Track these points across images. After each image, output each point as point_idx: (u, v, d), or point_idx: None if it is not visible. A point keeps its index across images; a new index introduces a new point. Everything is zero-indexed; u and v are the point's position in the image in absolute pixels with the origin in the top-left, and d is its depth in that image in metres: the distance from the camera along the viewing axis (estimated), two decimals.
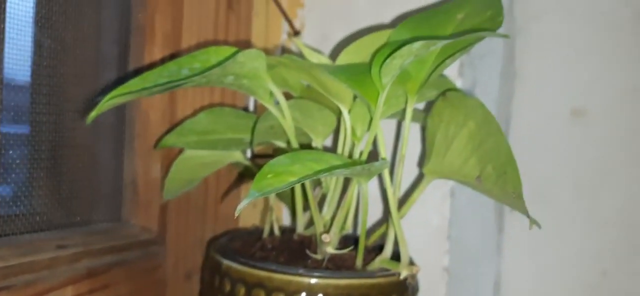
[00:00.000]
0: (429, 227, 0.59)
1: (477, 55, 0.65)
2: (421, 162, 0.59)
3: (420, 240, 0.59)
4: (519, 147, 0.75)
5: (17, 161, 0.48)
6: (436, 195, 0.59)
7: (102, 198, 0.55)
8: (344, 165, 0.35)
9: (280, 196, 0.57)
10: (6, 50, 0.45)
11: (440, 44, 0.39)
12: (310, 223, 0.50)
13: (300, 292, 0.40)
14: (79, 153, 0.53)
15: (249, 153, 0.61)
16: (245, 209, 0.65)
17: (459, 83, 0.59)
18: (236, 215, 0.32)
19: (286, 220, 0.66)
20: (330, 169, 0.34)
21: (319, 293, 0.40)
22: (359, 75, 0.40)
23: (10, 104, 0.46)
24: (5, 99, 0.46)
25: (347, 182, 0.46)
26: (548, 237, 0.73)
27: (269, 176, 0.34)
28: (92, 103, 0.39)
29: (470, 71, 0.63)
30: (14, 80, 0.47)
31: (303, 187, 0.48)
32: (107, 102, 0.37)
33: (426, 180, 0.46)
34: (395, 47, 0.37)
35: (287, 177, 0.34)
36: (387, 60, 0.38)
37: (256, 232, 0.54)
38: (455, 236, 0.61)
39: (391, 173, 0.54)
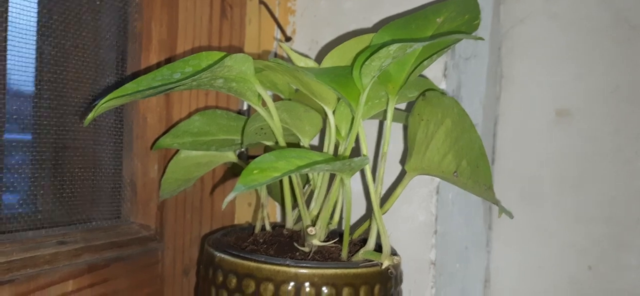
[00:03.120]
0: (415, 223, 0.62)
1: (462, 58, 0.67)
2: (404, 160, 0.61)
3: (407, 235, 0.62)
4: (506, 146, 0.78)
5: (21, 163, 0.50)
6: (422, 192, 0.61)
7: (103, 197, 0.57)
8: (326, 161, 0.38)
9: (271, 194, 0.60)
10: (9, 59, 0.48)
11: (417, 45, 0.41)
12: (300, 219, 0.53)
13: (287, 281, 0.42)
14: (80, 155, 0.55)
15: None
16: (240, 207, 0.68)
17: (443, 86, 0.61)
18: (223, 207, 0.34)
19: (278, 218, 0.68)
20: (312, 164, 0.37)
21: (306, 282, 0.42)
22: (341, 77, 0.43)
23: (13, 112, 0.49)
24: (8, 107, 0.48)
25: (333, 180, 0.48)
26: (535, 233, 0.76)
27: (255, 172, 0.37)
28: (90, 107, 0.42)
29: (456, 73, 0.65)
30: (17, 88, 0.50)
31: (291, 185, 0.50)
32: (104, 105, 0.40)
33: (408, 176, 0.48)
34: (374, 49, 0.40)
35: (272, 172, 0.37)
36: (367, 62, 0.40)
37: (249, 228, 0.56)
38: (442, 231, 0.63)
39: (374, 170, 0.56)
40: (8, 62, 0.48)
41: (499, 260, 0.78)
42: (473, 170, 0.40)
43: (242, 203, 0.69)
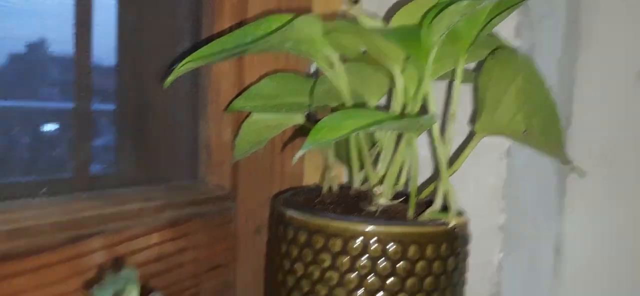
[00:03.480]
0: (484, 186, 0.61)
1: (536, 17, 0.65)
2: (472, 123, 0.61)
3: (475, 199, 0.61)
4: (583, 110, 0.75)
5: (107, 129, 0.54)
6: (492, 156, 0.61)
7: (181, 159, 0.61)
8: (393, 119, 0.38)
9: (338, 156, 0.61)
10: (94, 36, 0.51)
11: (488, 1, 0.40)
12: (366, 180, 0.54)
13: (355, 238, 0.44)
14: (159, 120, 0.59)
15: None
16: (309, 169, 0.70)
17: (516, 45, 0.60)
18: (293, 163, 0.36)
19: (345, 180, 0.69)
20: (379, 122, 0.37)
21: (373, 238, 0.44)
22: (409, 36, 0.43)
23: (98, 84, 0.53)
24: (94, 80, 0.52)
25: (400, 141, 0.49)
26: (611, 201, 0.73)
27: (324, 130, 0.38)
28: (169, 71, 0.44)
29: (529, 33, 0.63)
30: (101, 61, 0.54)
31: (359, 145, 0.51)
32: (182, 67, 0.42)
33: (477, 137, 0.48)
34: (444, 5, 0.40)
35: (340, 130, 0.38)
36: (436, 20, 0.40)
37: (316, 189, 0.58)
38: (512, 195, 0.62)
39: (442, 132, 0.56)
40: (93, 37, 0.52)
41: (571, 228, 0.76)
42: (544, 128, 0.39)
43: (310, 165, 0.70)
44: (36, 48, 0.50)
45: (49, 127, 0.52)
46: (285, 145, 0.65)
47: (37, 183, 0.48)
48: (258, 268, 0.64)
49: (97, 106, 0.54)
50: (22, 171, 0.49)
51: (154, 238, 0.52)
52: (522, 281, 0.67)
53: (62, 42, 0.51)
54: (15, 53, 0.48)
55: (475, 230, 0.58)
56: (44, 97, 0.52)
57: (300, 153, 0.36)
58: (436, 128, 0.44)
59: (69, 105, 0.52)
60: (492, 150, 0.60)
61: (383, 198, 0.47)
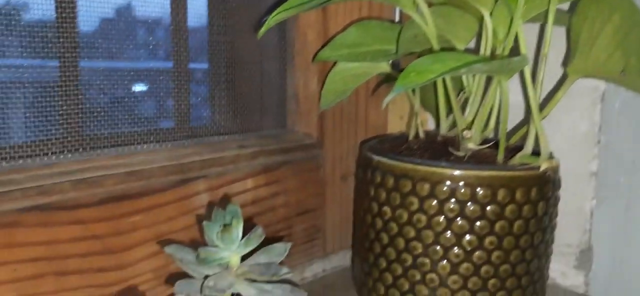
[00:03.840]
0: (577, 132, 0.59)
1: None
2: (565, 65, 0.59)
3: (568, 145, 0.60)
4: None
5: (203, 85, 0.58)
6: (585, 101, 0.59)
7: (270, 109, 0.64)
8: (482, 61, 0.38)
9: (424, 104, 0.61)
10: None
11: None
12: (453, 126, 0.54)
13: (443, 182, 0.45)
14: (250, 73, 0.62)
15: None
16: (393, 119, 0.71)
17: None
18: (383, 106, 0.37)
19: (430, 128, 0.70)
20: (468, 64, 0.38)
21: (461, 182, 0.44)
22: None
23: (193, 43, 0.56)
24: (190, 40, 0.56)
25: (489, 86, 0.49)
26: None
27: (412, 74, 0.39)
28: (260, 24, 0.46)
29: None
30: (194, 22, 0.57)
31: (446, 91, 0.51)
32: (273, 19, 0.44)
33: (570, 79, 0.47)
34: None
35: (428, 74, 0.38)
36: None
37: (402, 137, 0.59)
38: (606, 142, 0.60)
39: (533, 74, 0.55)
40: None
41: None
42: None
43: (394, 115, 0.71)
44: (132, 13, 0.54)
45: (152, 85, 0.57)
46: (374, 90, 0.66)
47: (144, 133, 0.52)
48: (346, 214, 0.67)
49: (193, 64, 0.57)
50: (129, 124, 0.54)
51: (249, 183, 0.56)
52: (614, 231, 0.65)
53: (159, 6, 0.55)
54: (123, 19, 0.53)
55: (567, 177, 0.57)
56: (146, 58, 0.56)
57: (389, 97, 0.37)
58: (527, 70, 0.43)
59: (169, 64, 0.56)
60: (585, 94, 0.58)
61: (471, 143, 0.48)
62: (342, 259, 0.67)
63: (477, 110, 0.49)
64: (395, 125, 0.71)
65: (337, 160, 0.65)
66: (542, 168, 0.45)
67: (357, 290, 0.55)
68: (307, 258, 0.63)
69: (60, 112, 0.46)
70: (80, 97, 0.47)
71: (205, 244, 0.37)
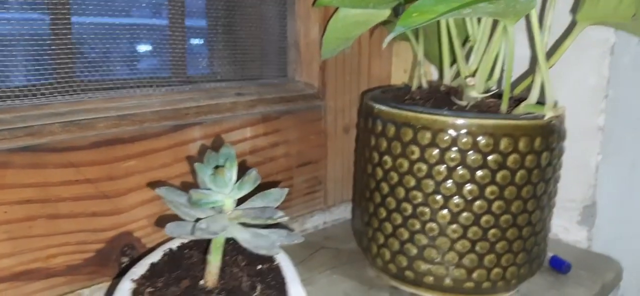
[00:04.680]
0: (584, 86, 0.58)
1: None
2: (575, 12, 0.57)
3: (575, 98, 0.58)
4: None
5: (201, 31, 0.56)
6: (594, 53, 0.57)
7: (271, 57, 0.62)
8: (487, 1, 0.37)
9: (427, 55, 0.60)
10: None
11: None
12: (457, 76, 0.52)
13: (445, 130, 0.43)
14: (249, 20, 0.60)
15: None
16: (396, 72, 0.69)
17: None
18: (383, 46, 0.36)
19: (434, 79, 0.68)
20: (472, 3, 0.36)
21: (463, 130, 0.43)
22: None
23: None
24: None
25: (494, 33, 0.47)
26: None
27: (414, 14, 0.37)
28: None
29: None
30: None
31: (450, 39, 0.50)
32: None
33: (579, 26, 0.45)
34: None
35: (430, 14, 0.37)
36: None
37: (406, 88, 0.58)
38: (614, 96, 0.58)
39: (541, 19, 0.53)
40: None
41: None
42: None
43: (397, 68, 0.70)
44: None
45: (147, 31, 0.55)
46: (372, 49, 0.64)
47: (139, 80, 0.51)
48: (347, 166, 0.66)
49: (190, 9, 0.56)
50: (125, 72, 0.53)
51: (248, 132, 0.54)
52: (619, 186, 0.64)
53: None
54: None
55: (573, 130, 0.55)
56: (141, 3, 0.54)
57: (390, 36, 0.35)
58: (534, 14, 0.42)
59: (165, 9, 0.54)
60: (594, 46, 0.57)
61: (475, 92, 0.46)
62: (343, 212, 0.67)
63: (482, 58, 0.48)
64: (399, 78, 0.70)
65: (339, 112, 0.63)
66: (547, 116, 0.43)
67: (357, 240, 0.54)
68: (307, 210, 0.63)
69: (52, 61, 0.45)
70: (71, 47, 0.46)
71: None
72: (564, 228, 0.61)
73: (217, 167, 0.35)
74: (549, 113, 0.43)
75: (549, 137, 0.44)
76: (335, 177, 0.65)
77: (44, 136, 0.41)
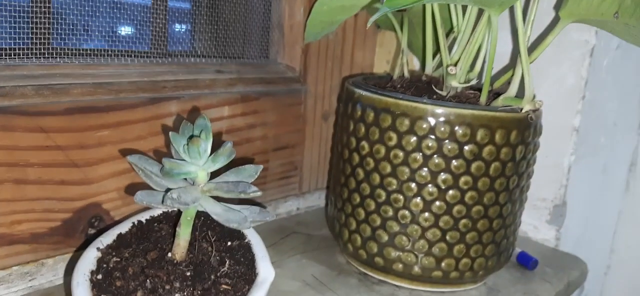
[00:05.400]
0: (563, 86, 0.58)
1: None
2: (558, 8, 0.57)
3: (553, 98, 0.59)
4: None
5: (183, 9, 0.55)
6: (575, 54, 0.57)
7: (253, 37, 0.61)
8: None
9: (411, 46, 0.60)
10: None
11: None
12: (439, 67, 0.52)
13: (423, 118, 0.43)
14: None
15: None
16: (379, 62, 0.69)
17: None
18: (367, 26, 0.35)
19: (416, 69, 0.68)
20: None
21: (441, 119, 0.43)
22: None
23: None
24: None
25: (478, 23, 0.47)
26: None
27: None
28: None
29: None
30: None
31: (435, 28, 0.50)
32: None
33: (562, 23, 0.45)
34: None
35: None
36: None
37: (388, 76, 0.58)
38: (591, 98, 0.59)
39: (525, 12, 0.53)
40: None
41: None
42: (637, 5, 0.36)
43: (381, 59, 0.70)
44: None
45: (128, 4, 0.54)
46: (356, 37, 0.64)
47: (117, 51, 0.50)
48: (324, 154, 0.66)
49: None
50: (104, 42, 0.52)
51: (226, 110, 0.54)
52: (590, 189, 0.65)
53: None
54: None
55: (549, 129, 0.56)
56: None
57: (375, 16, 0.35)
58: (519, 7, 0.42)
59: None
60: (575, 47, 0.57)
61: (455, 81, 0.46)
62: (318, 199, 0.67)
63: (464, 49, 0.48)
64: (381, 68, 0.70)
65: (319, 98, 0.63)
66: (525, 109, 0.43)
67: (330, 226, 0.54)
68: (281, 194, 0.62)
69: (32, 25, 0.44)
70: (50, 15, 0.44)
71: None
72: (534, 226, 0.62)
73: (192, 137, 0.34)
74: (526, 107, 0.43)
75: (524, 131, 0.45)
76: (312, 163, 0.64)
77: (16, 98, 0.40)
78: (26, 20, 0.43)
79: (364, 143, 0.47)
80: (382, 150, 0.45)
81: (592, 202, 0.67)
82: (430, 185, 0.44)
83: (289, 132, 0.61)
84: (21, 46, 0.43)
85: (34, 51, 0.44)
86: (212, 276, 0.35)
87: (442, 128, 0.43)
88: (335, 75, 0.64)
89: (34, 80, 0.41)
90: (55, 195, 0.43)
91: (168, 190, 0.34)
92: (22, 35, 0.43)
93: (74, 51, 0.47)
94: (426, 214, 0.44)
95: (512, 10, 0.59)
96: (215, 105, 0.53)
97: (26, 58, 0.43)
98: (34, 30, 0.43)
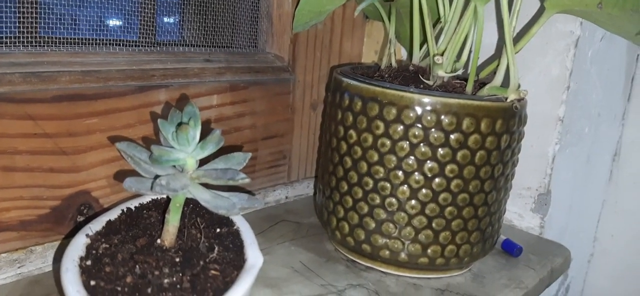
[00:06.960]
0: (547, 76, 0.59)
1: None
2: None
3: (538, 88, 0.60)
4: None
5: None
6: (560, 45, 0.58)
7: (242, 27, 0.61)
8: None
9: (398, 37, 0.60)
10: None
11: None
12: (426, 56, 0.53)
13: (410, 107, 0.44)
14: None
15: None
16: (368, 53, 0.69)
17: None
18: (355, 15, 0.36)
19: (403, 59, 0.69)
20: None
21: (427, 107, 0.44)
22: None
23: None
24: None
25: (464, 14, 0.47)
26: None
27: None
28: None
29: None
30: None
31: (422, 18, 0.50)
32: None
33: (547, 13, 0.46)
34: None
35: None
36: None
37: (375, 66, 0.58)
38: (575, 89, 0.60)
39: (510, 1, 0.54)
40: None
41: (633, 135, 0.73)
42: None
43: (369, 49, 0.70)
44: None
45: None
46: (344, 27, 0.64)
47: (106, 40, 0.50)
48: (312, 143, 0.66)
49: None
50: (92, 32, 0.51)
51: (215, 99, 0.54)
52: (574, 178, 0.67)
53: None
54: None
55: (534, 119, 0.57)
56: None
57: (362, 5, 0.36)
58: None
59: None
60: (560, 38, 0.58)
61: (442, 70, 0.47)
62: (306, 188, 0.67)
63: (451, 39, 0.48)
64: (369, 59, 0.70)
65: (308, 87, 0.64)
66: (510, 99, 0.44)
67: (318, 214, 0.55)
68: (270, 183, 0.63)
69: (18, 17, 0.43)
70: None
71: None
72: (518, 214, 0.63)
73: (180, 124, 0.34)
74: (511, 96, 0.44)
75: (510, 120, 0.45)
76: (300, 152, 0.65)
77: (3, 85, 0.40)
78: (13, 10, 0.43)
79: (352, 132, 0.47)
80: (370, 139, 0.46)
81: (576, 190, 0.68)
82: (416, 173, 0.45)
83: (278, 121, 0.61)
84: (8, 35, 0.43)
85: (22, 39, 0.43)
86: (201, 262, 0.35)
87: (429, 117, 0.44)
88: (323, 64, 0.65)
89: (21, 68, 0.41)
90: (44, 183, 0.43)
91: (157, 176, 0.34)
92: (9, 24, 0.43)
93: (61, 40, 0.47)
94: (413, 202, 0.45)
95: (498, 1, 0.60)
96: (204, 94, 0.53)
97: (13, 46, 0.43)
98: (21, 20, 0.43)
